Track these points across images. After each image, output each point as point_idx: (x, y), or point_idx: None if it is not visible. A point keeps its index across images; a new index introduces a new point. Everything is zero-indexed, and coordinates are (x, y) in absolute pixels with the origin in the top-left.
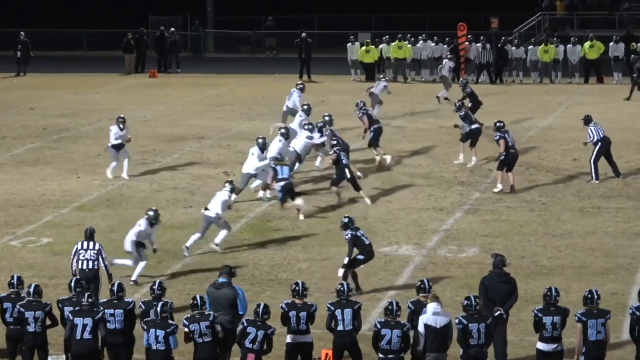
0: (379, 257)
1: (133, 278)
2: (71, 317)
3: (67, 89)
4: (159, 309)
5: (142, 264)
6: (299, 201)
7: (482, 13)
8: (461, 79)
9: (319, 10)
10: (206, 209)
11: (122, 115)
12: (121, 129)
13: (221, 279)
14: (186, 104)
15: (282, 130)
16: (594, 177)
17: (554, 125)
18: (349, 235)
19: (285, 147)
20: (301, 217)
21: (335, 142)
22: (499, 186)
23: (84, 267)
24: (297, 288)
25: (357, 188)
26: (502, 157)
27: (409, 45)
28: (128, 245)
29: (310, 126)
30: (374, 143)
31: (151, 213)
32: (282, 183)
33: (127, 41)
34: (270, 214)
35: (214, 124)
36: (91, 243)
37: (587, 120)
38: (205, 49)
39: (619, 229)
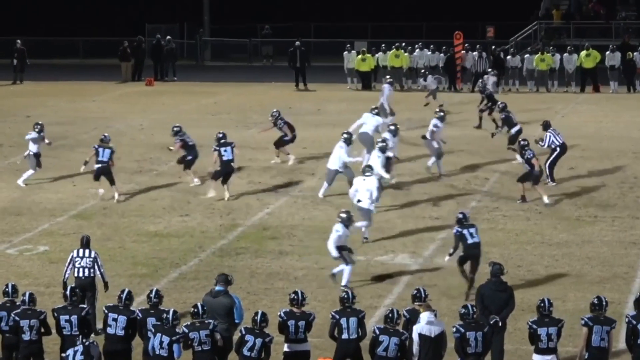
0: (375, 266)
1: (343, 283)
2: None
3: (64, 97)
4: (170, 316)
5: (348, 268)
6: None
7: (479, 22)
8: (480, 81)
9: (316, 19)
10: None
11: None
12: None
13: (218, 287)
14: (183, 112)
15: (345, 136)
16: (550, 180)
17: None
18: (456, 232)
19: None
20: None
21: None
22: (545, 200)
23: (80, 274)
24: (295, 297)
25: None
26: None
27: (406, 54)
28: (334, 252)
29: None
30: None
31: (344, 215)
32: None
33: (124, 49)
34: (266, 222)
35: (211, 132)
36: (87, 251)
37: (546, 125)
38: (202, 57)
39: (615, 238)
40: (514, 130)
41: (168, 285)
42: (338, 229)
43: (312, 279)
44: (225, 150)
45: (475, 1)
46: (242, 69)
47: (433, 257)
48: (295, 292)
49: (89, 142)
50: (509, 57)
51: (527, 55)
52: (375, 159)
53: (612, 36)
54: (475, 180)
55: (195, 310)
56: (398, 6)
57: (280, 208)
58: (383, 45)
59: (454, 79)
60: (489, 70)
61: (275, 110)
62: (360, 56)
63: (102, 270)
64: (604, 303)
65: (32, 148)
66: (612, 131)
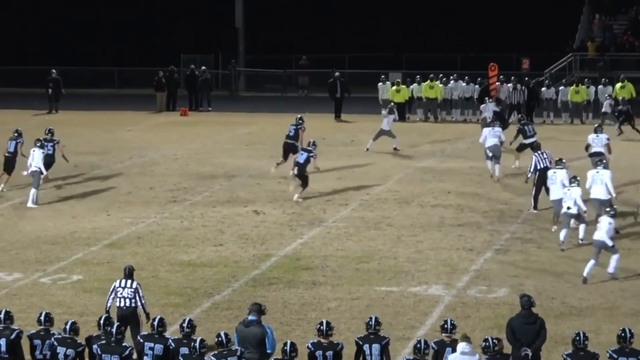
0: (408, 297)
1: (612, 271)
2: (99, 352)
3: (99, 127)
4: (197, 344)
5: (616, 257)
6: None
7: (514, 53)
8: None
9: (350, 50)
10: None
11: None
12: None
13: (250, 317)
14: (217, 142)
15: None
16: (532, 207)
17: (584, 165)
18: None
19: None
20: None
21: None
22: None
23: (122, 304)
24: (321, 327)
25: None
26: None
27: (441, 85)
28: (610, 242)
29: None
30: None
31: (613, 210)
32: None
33: (159, 79)
34: (299, 252)
35: (245, 163)
36: (129, 281)
37: (535, 147)
38: (236, 88)
39: None
40: (528, 141)
41: (201, 315)
42: (610, 221)
43: (344, 310)
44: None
45: (510, 33)
46: (276, 99)
47: (466, 289)
48: (321, 323)
49: (123, 171)
50: (543, 89)
51: (561, 87)
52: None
53: None
54: (509, 212)
55: (220, 339)
56: (433, 38)
57: (313, 238)
58: (418, 76)
59: None
60: (488, 99)
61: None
62: (395, 87)
63: (143, 301)
64: (628, 334)
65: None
66: None
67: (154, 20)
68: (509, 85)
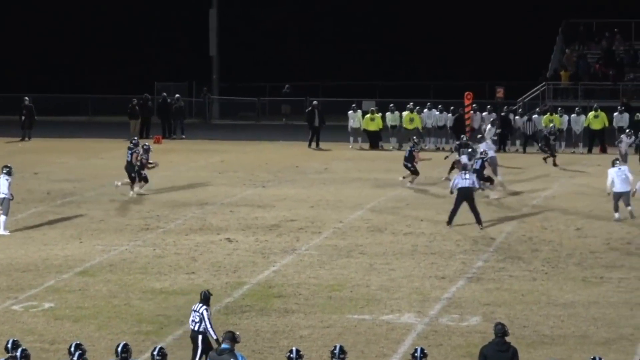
0: (380, 325)
1: None
2: None
3: (72, 154)
4: None
5: None
6: None
7: (486, 82)
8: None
9: (324, 78)
10: None
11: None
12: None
13: (224, 345)
14: (190, 169)
15: None
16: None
17: (557, 194)
18: None
19: None
20: None
21: None
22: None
23: (191, 327)
24: (291, 355)
25: None
26: None
27: (420, 116)
28: None
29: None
30: None
31: None
32: None
33: (132, 107)
34: (272, 280)
35: (218, 190)
36: (199, 305)
37: (463, 167)
38: (210, 115)
39: (621, 299)
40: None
41: (173, 343)
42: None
43: (317, 338)
44: None
45: (484, 61)
46: (250, 127)
47: (439, 317)
48: (291, 351)
49: (96, 199)
50: (517, 117)
51: (535, 116)
52: None
53: (620, 97)
54: (482, 240)
55: None
56: (406, 66)
57: (286, 266)
58: (391, 105)
59: None
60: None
61: None
62: (369, 115)
63: (208, 327)
64: None
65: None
66: None
67: (128, 47)
68: (484, 114)
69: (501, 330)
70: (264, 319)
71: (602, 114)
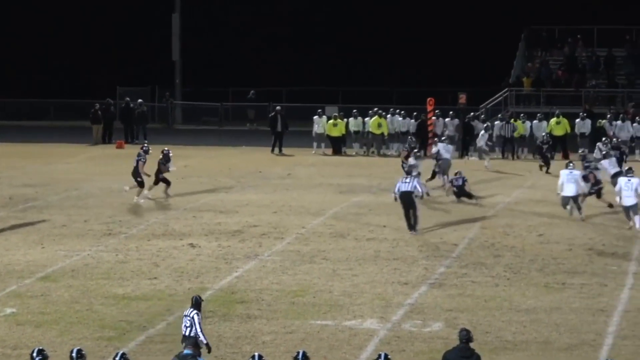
0: (343, 331)
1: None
2: None
3: (34, 159)
4: None
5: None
6: None
7: (450, 88)
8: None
9: (287, 84)
10: None
11: None
12: None
13: (186, 351)
14: (153, 175)
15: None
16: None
17: (519, 200)
18: None
19: None
20: None
21: None
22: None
23: (183, 332)
24: None
25: None
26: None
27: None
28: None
29: None
30: None
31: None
32: None
33: (95, 112)
34: (235, 286)
35: (181, 196)
36: (190, 310)
37: (407, 172)
38: (173, 120)
39: (583, 304)
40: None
41: (135, 348)
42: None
43: (279, 343)
44: None
45: (447, 68)
46: (213, 132)
47: (401, 323)
48: (253, 356)
49: (58, 204)
50: (479, 123)
51: (497, 122)
52: None
53: (582, 104)
54: (444, 246)
55: None
56: (369, 72)
57: (249, 272)
58: (354, 110)
59: (425, 144)
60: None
61: None
62: (332, 121)
63: (198, 331)
64: None
65: None
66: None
67: (90, 52)
68: (447, 119)
69: (466, 336)
70: (226, 324)
71: (564, 120)
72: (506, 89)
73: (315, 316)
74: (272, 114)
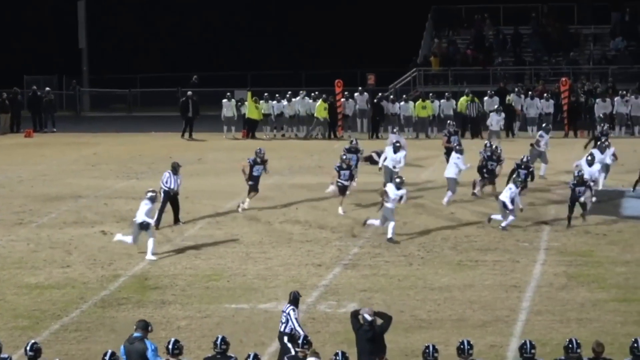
0: (258, 314)
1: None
2: None
3: None
4: None
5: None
6: None
7: (358, 69)
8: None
9: (196, 69)
10: None
11: None
12: None
13: (135, 334)
14: (62, 163)
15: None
16: None
17: (431, 178)
18: None
19: None
20: None
21: None
22: None
23: (280, 328)
24: (169, 347)
25: None
26: None
27: (286, 103)
28: (510, 205)
29: None
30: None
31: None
32: None
33: (2, 101)
34: (148, 272)
35: (91, 183)
36: (287, 305)
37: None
38: (82, 108)
39: (496, 281)
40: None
41: (49, 337)
42: (511, 187)
43: (195, 328)
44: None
45: (354, 49)
46: (122, 119)
47: (316, 304)
48: (169, 342)
49: None
50: (389, 104)
51: (402, 103)
52: None
53: (490, 82)
54: (357, 227)
55: (104, 357)
56: (278, 54)
57: (162, 257)
58: (266, 94)
59: (335, 126)
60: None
61: None
62: (254, 104)
63: (293, 325)
64: (467, 347)
65: None
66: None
67: None
68: (355, 94)
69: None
70: (141, 310)
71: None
72: (414, 69)
73: (230, 300)
74: (184, 99)
